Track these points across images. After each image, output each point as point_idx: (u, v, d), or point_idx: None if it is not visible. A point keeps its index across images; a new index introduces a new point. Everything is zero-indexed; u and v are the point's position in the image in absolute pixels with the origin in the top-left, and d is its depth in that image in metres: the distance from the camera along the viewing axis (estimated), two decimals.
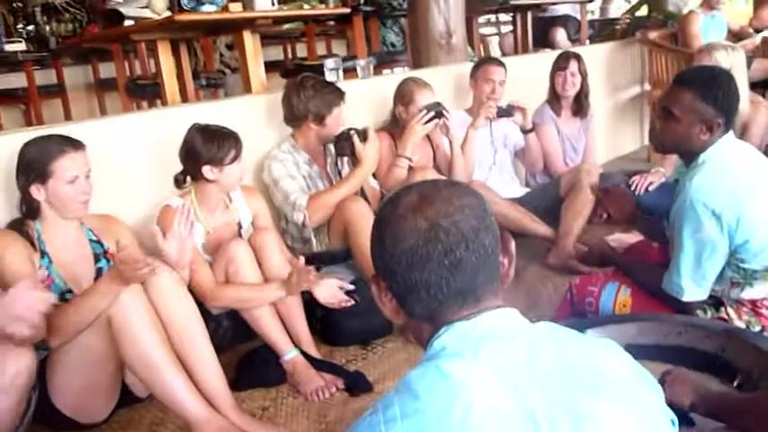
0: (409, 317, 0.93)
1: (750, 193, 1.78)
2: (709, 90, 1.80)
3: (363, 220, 2.47)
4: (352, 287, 2.34)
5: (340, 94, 2.71)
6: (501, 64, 3.40)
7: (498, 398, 0.79)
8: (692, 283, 1.84)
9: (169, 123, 2.55)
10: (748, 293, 1.86)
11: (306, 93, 2.67)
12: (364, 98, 3.27)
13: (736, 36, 4.82)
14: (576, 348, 0.88)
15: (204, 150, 2.18)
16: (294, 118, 2.71)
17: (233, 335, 2.33)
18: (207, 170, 2.20)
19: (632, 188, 3.31)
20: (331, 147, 2.83)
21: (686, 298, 1.85)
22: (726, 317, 1.89)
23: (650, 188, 3.29)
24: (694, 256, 1.81)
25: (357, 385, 2.16)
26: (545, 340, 0.87)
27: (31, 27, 6.54)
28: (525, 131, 3.36)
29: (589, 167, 3.27)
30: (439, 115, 2.90)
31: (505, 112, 3.19)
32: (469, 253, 0.86)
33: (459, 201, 0.89)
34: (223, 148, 2.19)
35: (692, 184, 1.80)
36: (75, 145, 1.94)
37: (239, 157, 2.24)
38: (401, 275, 0.88)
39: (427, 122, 2.87)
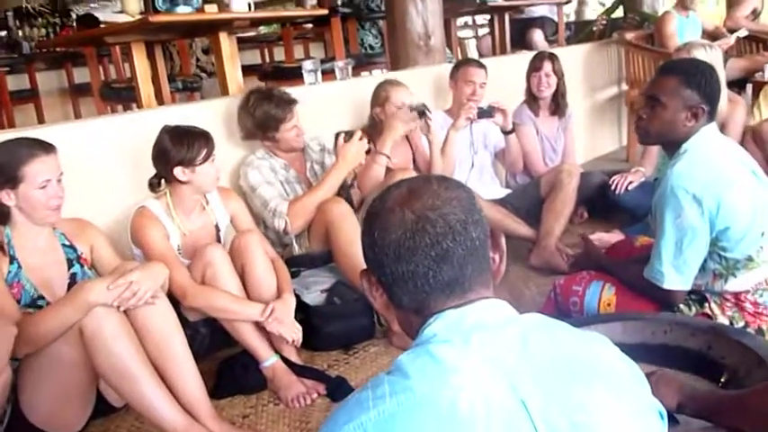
0: (398, 309, 0.94)
1: (730, 180, 1.81)
2: (692, 76, 1.85)
3: (345, 221, 2.43)
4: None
5: (285, 108, 2.63)
6: (482, 66, 3.39)
7: (489, 387, 0.79)
8: (673, 270, 1.84)
9: (143, 126, 2.49)
10: (732, 285, 1.86)
11: (249, 112, 2.64)
12: (343, 100, 3.24)
13: (710, 36, 4.86)
14: (568, 339, 0.88)
15: (174, 151, 2.14)
16: (248, 136, 2.70)
17: (211, 342, 2.27)
18: (178, 171, 2.16)
19: (612, 188, 3.32)
20: (309, 150, 2.80)
21: (667, 285, 1.85)
22: (709, 312, 1.89)
23: (630, 187, 3.30)
24: (675, 242, 1.82)
25: (339, 391, 2.12)
26: (536, 330, 0.87)
27: (3, 32, 6.45)
28: (506, 132, 3.35)
29: (570, 167, 3.27)
30: (421, 115, 2.87)
31: (486, 113, 3.17)
32: (456, 245, 0.87)
33: (447, 194, 0.89)
34: (193, 147, 2.15)
35: (674, 170, 1.83)
36: (47, 148, 1.87)
37: (211, 156, 2.20)
38: (389, 267, 0.89)
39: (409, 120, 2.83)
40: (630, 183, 3.30)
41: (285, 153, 2.73)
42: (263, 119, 2.62)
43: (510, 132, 3.34)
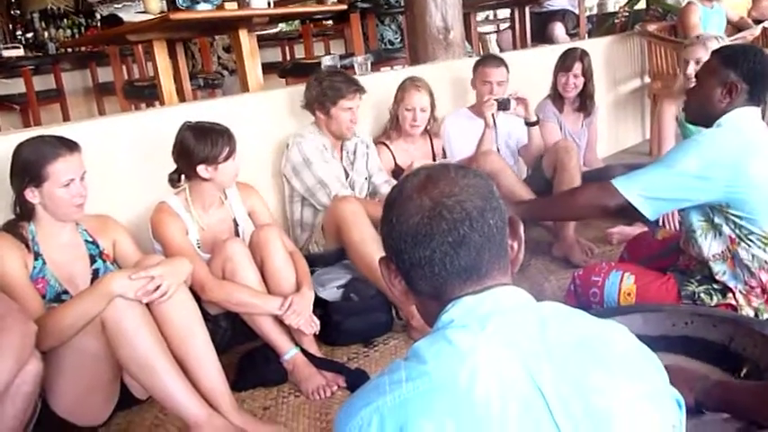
0: (417, 296, 0.95)
1: (755, 150, 1.81)
2: (731, 55, 1.92)
3: (356, 219, 2.44)
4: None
5: (350, 88, 2.70)
6: (500, 64, 3.29)
7: (505, 368, 0.80)
8: (641, 188, 1.84)
9: (166, 123, 2.52)
10: (759, 253, 1.82)
11: (318, 79, 2.73)
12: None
13: (735, 27, 4.79)
14: (585, 324, 0.89)
15: (197, 149, 2.16)
16: (306, 103, 2.76)
17: (232, 335, 2.30)
18: (201, 169, 2.18)
19: None
20: (348, 143, 2.86)
21: (625, 193, 1.84)
22: (734, 302, 1.86)
23: None
24: (660, 174, 1.84)
25: (359, 383, 2.08)
26: (553, 316, 0.87)
27: (29, 34, 6.57)
28: (529, 124, 3.26)
29: (565, 144, 3.17)
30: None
31: (503, 105, 3.11)
32: (473, 231, 0.87)
33: (464, 181, 0.90)
34: (216, 145, 2.17)
35: (703, 132, 1.91)
36: (71, 147, 1.90)
37: (233, 153, 2.22)
38: (407, 253, 0.90)
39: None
40: None
41: (331, 136, 2.79)
42: (328, 88, 2.69)
43: (533, 124, 3.27)
